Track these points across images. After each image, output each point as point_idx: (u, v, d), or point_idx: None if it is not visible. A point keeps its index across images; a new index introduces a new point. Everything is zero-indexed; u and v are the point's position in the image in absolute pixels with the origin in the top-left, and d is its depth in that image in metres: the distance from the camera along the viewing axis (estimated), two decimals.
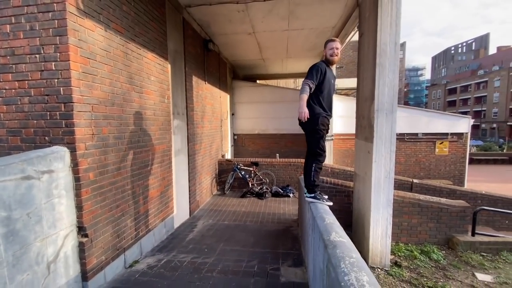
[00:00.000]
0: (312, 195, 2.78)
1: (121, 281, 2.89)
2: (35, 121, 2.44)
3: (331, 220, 2.00)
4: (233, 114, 9.74)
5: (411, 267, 4.05)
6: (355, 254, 1.42)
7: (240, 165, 7.16)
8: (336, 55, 2.73)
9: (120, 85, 3.02)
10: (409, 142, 9.99)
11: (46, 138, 2.43)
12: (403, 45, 63.44)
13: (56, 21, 2.28)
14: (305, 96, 2.56)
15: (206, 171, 6.34)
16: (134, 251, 3.33)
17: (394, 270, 3.89)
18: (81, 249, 2.53)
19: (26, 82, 2.40)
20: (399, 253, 4.40)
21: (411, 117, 9.89)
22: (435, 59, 76.27)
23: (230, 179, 7.09)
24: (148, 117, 3.61)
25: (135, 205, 3.34)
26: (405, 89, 66.93)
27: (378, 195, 3.74)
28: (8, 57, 2.41)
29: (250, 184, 6.96)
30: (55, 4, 2.28)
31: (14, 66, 2.41)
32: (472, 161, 19.22)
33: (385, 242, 3.84)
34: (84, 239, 2.53)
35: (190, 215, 5.15)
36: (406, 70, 68.68)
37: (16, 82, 2.42)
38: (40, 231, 2.16)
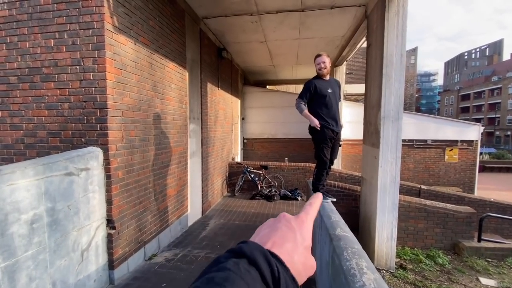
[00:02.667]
0: None
1: (142, 271, 3.16)
2: (73, 124, 2.75)
3: (337, 218, 2.21)
4: (243, 119, 10.02)
5: (416, 270, 4.17)
6: (357, 245, 1.62)
7: (250, 168, 7.40)
8: (325, 68, 2.97)
9: (146, 93, 3.32)
10: (418, 149, 9.99)
11: (83, 139, 2.74)
12: (414, 50, 62.55)
13: (95, 37, 2.60)
14: (306, 111, 2.89)
15: (218, 173, 6.61)
16: (153, 245, 3.60)
17: (399, 272, 4.02)
18: (109, 240, 2.81)
19: (67, 90, 2.72)
20: (405, 257, 4.51)
21: (420, 123, 9.91)
22: (448, 64, 74.96)
23: (240, 181, 7.33)
24: (168, 121, 3.91)
25: (155, 202, 3.62)
26: (417, 95, 65.76)
27: (384, 199, 3.89)
28: (52, 68, 2.74)
29: (259, 187, 7.17)
30: (95, 23, 2.60)
31: (56, 75, 2.74)
32: (484, 169, 18.85)
33: (391, 245, 3.98)
34: (112, 231, 2.82)
35: (202, 214, 5.41)
36: (418, 75, 67.55)
37: (58, 89, 2.75)
38: (77, 221, 2.45)
